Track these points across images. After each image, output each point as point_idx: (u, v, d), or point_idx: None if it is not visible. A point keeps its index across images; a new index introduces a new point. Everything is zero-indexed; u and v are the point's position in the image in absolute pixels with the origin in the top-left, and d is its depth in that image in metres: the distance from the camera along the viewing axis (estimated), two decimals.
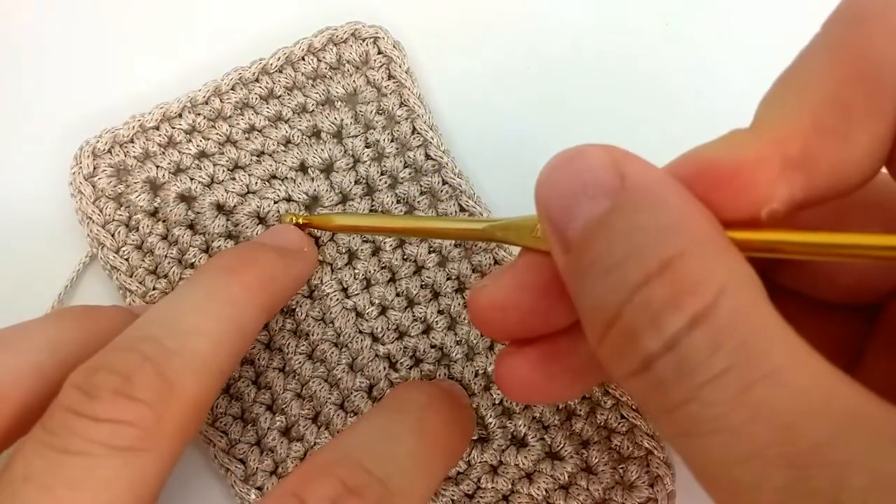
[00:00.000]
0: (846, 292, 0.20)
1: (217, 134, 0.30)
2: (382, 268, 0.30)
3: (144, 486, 0.20)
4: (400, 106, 0.31)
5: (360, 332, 0.29)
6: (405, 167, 0.30)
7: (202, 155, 0.30)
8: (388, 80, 0.31)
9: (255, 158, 0.30)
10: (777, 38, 0.31)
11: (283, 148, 0.30)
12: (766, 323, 0.15)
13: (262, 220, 0.30)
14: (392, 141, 0.31)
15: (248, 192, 0.30)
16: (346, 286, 0.30)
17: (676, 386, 0.15)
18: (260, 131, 0.31)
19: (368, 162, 0.30)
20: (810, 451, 0.13)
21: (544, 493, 0.28)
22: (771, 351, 0.14)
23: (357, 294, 0.30)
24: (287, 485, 0.21)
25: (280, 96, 0.31)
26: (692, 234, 0.15)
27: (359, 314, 0.30)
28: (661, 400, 0.15)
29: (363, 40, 0.31)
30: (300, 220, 0.29)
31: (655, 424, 0.16)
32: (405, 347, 0.29)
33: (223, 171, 0.30)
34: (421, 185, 0.30)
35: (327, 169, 0.31)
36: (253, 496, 0.28)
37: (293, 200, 0.30)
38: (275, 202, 0.30)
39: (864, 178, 0.17)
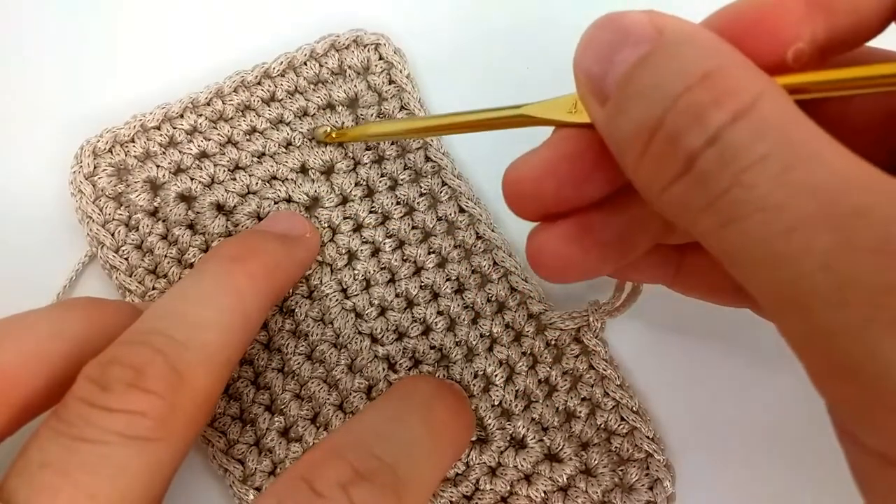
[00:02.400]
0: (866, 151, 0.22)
1: (218, 135, 0.30)
2: (382, 268, 0.30)
3: (157, 473, 0.21)
4: (400, 110, 0.31)
5: (360, 332, 0.29)
6: (405, 169, 0.30)
7: (203, 155, 0.30)
8: (389, 84, 0.31)
9: (255, 159, 0.30)
10: None
11: (283, 150, 0.31)
12: (803, 120, 0.16)
13: (262, 220, 0.30)
14: (392, 144, 0.31)
15: (249, 193, 0.30)
16: (345, 287, 0.30)
17: (719, 174, 0.15)
18: (261, 133, 0.31)
19: (368, 164, 0.31)
20: (855, 214, 0.14)
21: (543, 494, 0.28)
22: (810, 139, 0.15)
23: (356, 295, 0.30)
24: (296, 469, 0.21)
25: (281, 100, 0.31)
26: (729, 55, 0.16)
27: (358, 315, 0.30)
28: (703, 194, 0.16)
29: (365, 47, 0.31)
30: (334, 135, 0.29)
31: (694, 228, 0.16)
32: (404, 348, 0.29)
33: (224, 171, 0.30)
34: (421, 187, 0.30)
35: (328, 171, 0.31)
36: (251, 496, 0.28)
37: (293, 201, 0.30)
38: (275, 202, 0.30)
39: (882, 19, 0.18)
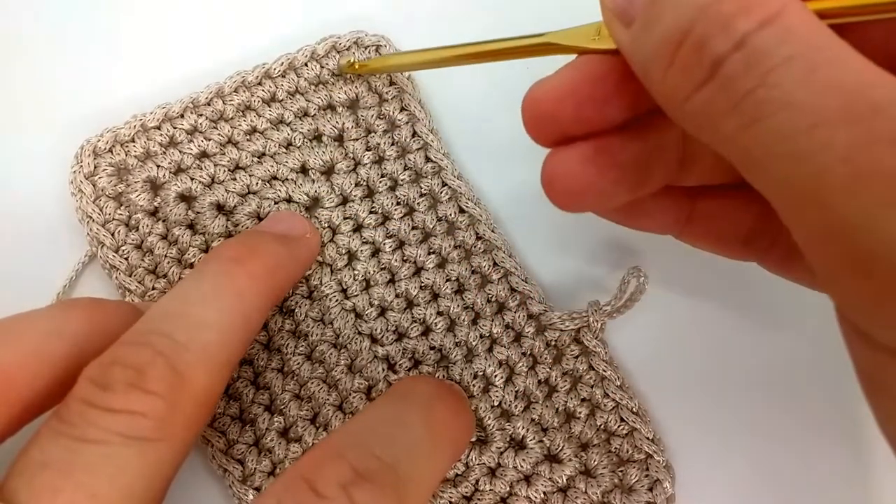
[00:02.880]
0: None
1: (218, 135, 0.30)
2: (382, 269, 0.30)
3: (158, 473, 0.21)
4: (401, 110, 0.31)
5: (360, 333, 0.29)
6: (405, 170, 0.31)
7: (203, 155, 0.30)
8: (390, 86, 0.31)
9: (255, 159, 0.30)
10: None
11: (284, 150, 0.31)
12: (827, 31, 0.16)
13: (262, 220, 0.30)
14: (392, 144, 0.31)
15: (249, 193, 0.30)
16: (345, 287, 0.30)
17: (745, 76, 0.16)
18: (261, 133, 0.31)
19: (369, 165, 0.31)
20: (873, 110, 0.15)
21: (542, 495, 0.28)
22: (832, 45, 0.16)
23: (356, 295, 0.30)
24: (297, 469, 0.21)
25: (282, 100, 0.31)
26: None
27: (358, 315, 0.30)
28: (727, 97, 0.16)
29: (365, 48, 0.31)
30: (357, 66, 0.30)
31: (716, 134, 0.17)
32: (404, 349, 0.29)
33: (224, 171, 0.30)
34: (421, 188, 0.30)
35: (328, 171, 0.31)
36: (251, 497, 0.28)
37: (293, 201, 0.30)
38: (275, 203, 0.30)
39: None
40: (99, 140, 0.30)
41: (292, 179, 0.30)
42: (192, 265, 0.29)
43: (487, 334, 0.29)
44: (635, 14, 0.19)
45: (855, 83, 0.15)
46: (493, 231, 0.30)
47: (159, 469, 0.21)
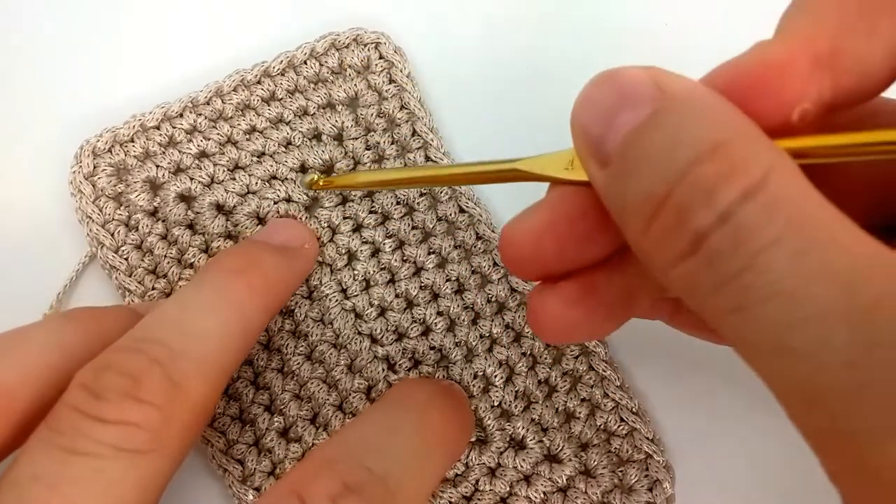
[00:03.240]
0: (866, 211, 0.21)
1: (218, 134, 0.30)
2: (382, 269, 0.30)
3: (150, 486, 0.20)
4: (401, 109, 0.31)
5: (359, 333, 0.29)
6: None
7: (202, 155, 0.30)
8: (390, 84, 0.31)
9: (255, 159, 0.30)
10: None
11: (283, 149, 0.30)
12: (815, 198, 0.15)
13: (261, 220, 0.30)
14: (392, 143, 0.31)
15: (248, 193, 0.30)
16: (345, 287, 0.30)
17: (731, 256, 0.15)
18: (261, 132, 0.31)
19: (369, 164, 0.30)
20: (874, 306, 0.13)
21: (542, 495, 0.28)
22: (823, 220, 0.14)
23: (356, 295, 0.30)
24: (287, 482, 0.21)
25: (281, 99, 0.31)
26: (736, 126, 0.16)
27: (358, 315, 0.30)
28: (714, 275, 0.15)
29: (365, 45, 0.31)
30: (322, 183, 0.29)
31: (703, 309, 0.16)
32: (404, 349, 0.29)
33: (223, 171, 0.30)
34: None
35: (328, 170, 0.31)
36: (251, 497, 0.28)
37: (293, 201, 0.30)
38: (275, 202, 0.30)
39: (889, 75, 0.17)
40: (98, 140, 0.30)
41: (292, 179, 0.30)
42: (191, 265, 0.29)
43: (487, 334, 0.29)
44: (610, 154, 0.17)
45: (849, 269, 0.14)
46: (493, 230, 0.30)
47: (152, 481, 0.20)
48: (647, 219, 0.16)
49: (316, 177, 0.29)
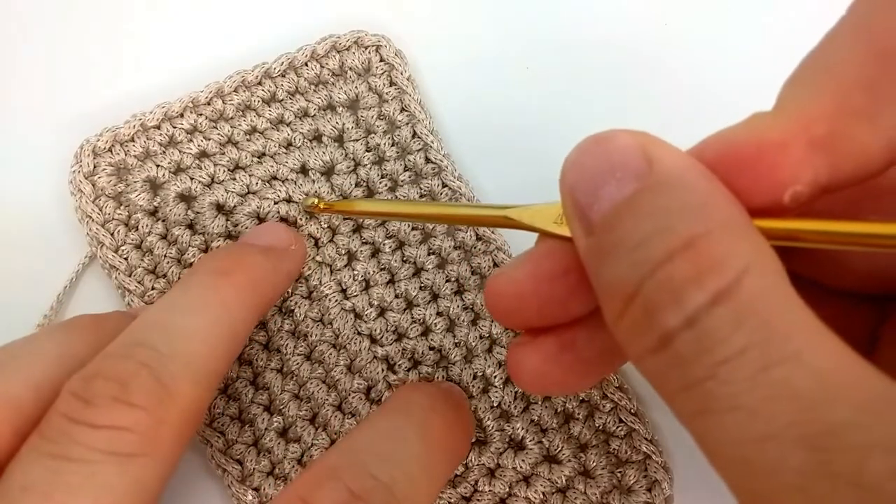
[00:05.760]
0: (860, 280, 0.20)
1: (218, 134, 0.30)
2: (381, 269, 0.30)
3: (144, 490, 0.20)
4: (401, 111, 0.31)
5: (359, 333, 0.29)
6: (405, 170, 0.30)
7: (203, 155, 0.30)
8: (390, 86, 0.31)
9: (255, 159, 0.30)
10: (776, 38, 0.32)
11: (284, 150, 0.31)
12: (788, 305, 0.14)
13: (261, 220, 0.30)
14: (393, 145, 0.31)
15: (249, 193, 0.30)
16: (345, 287, 0.30)
17: (695, 363, 0.14)
18: (261, 133, 0.31)
19: (369, 165, 0.30)
20: (830, 433, 0.13)
21: (541, 496, 0.28)
22: (792, 332, 0.14)
23: (356, 295, 0.30)
24: (293, 490, 0.21)
25: (282, 100, 0.31)
26: (718, 215, 0.15)
27: (357, 315, 0.30)
28: (679, 377, 0.15)
29: (366, 48, 0.31)
30: (322, 206, 0.29)
31: (670, 404, 0.16)
32: (404, 349, 0.29)
33: (223, 171, 0.30)
34: (421, 188, 0.30)
35: (328, 171, 0.31)
36: (250, 497, 0.28)
37: (293, 201, 0.30)
38: (275, 203, 0.30)
39: (888, 161, 0.17)
40: (98, 139, 0.30)
41: (292, 179, 0.30)
42: (191, 265, 0.29)
43: (487, 335, 0.29)
44: (594, 223, 0.17)
45: (811, 391, 0.13)
46: (492, 231, 0.30)
47: (146, 484, 0.20)
48: (620, 309, 0.16)
49: (316, 200, 0.29)
